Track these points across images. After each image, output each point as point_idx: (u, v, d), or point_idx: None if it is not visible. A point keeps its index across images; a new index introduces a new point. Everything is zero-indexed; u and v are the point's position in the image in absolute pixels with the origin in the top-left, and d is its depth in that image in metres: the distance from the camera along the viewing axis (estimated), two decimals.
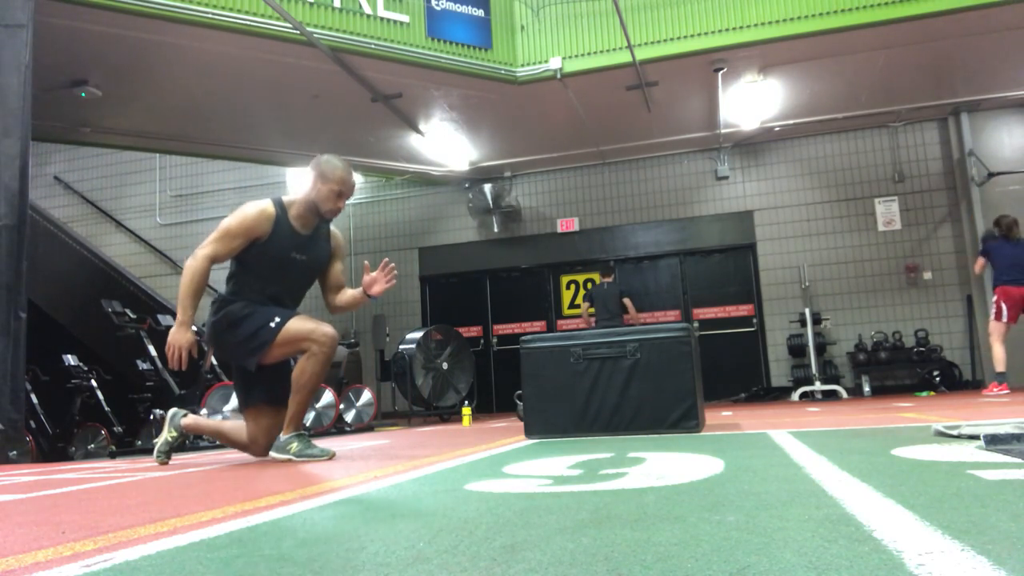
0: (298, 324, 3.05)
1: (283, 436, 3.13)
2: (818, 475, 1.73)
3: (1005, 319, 6.62)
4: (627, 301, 8.49)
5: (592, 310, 8.63)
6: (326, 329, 3.06)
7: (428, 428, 6.78)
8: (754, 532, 1.10)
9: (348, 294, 3.32)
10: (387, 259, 3.29)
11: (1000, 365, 6.60)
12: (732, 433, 3.38)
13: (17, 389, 4.69)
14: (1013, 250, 6.68)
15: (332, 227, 3.39)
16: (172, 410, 3.50)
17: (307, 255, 3.22)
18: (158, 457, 3.38)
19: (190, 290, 2.97)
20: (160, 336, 6.55)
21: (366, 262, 3.39)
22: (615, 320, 8.33)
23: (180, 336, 2.93)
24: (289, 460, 3.07)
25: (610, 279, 8.61)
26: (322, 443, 3.37)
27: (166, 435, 3.40)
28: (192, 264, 2.98)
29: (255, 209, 3.08)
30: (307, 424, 6.86)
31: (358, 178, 10.82)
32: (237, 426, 3.36)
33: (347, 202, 3.32)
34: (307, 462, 3.00)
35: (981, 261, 6.99)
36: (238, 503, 1.79)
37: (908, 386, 8.79)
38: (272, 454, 3.19)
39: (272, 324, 3.04)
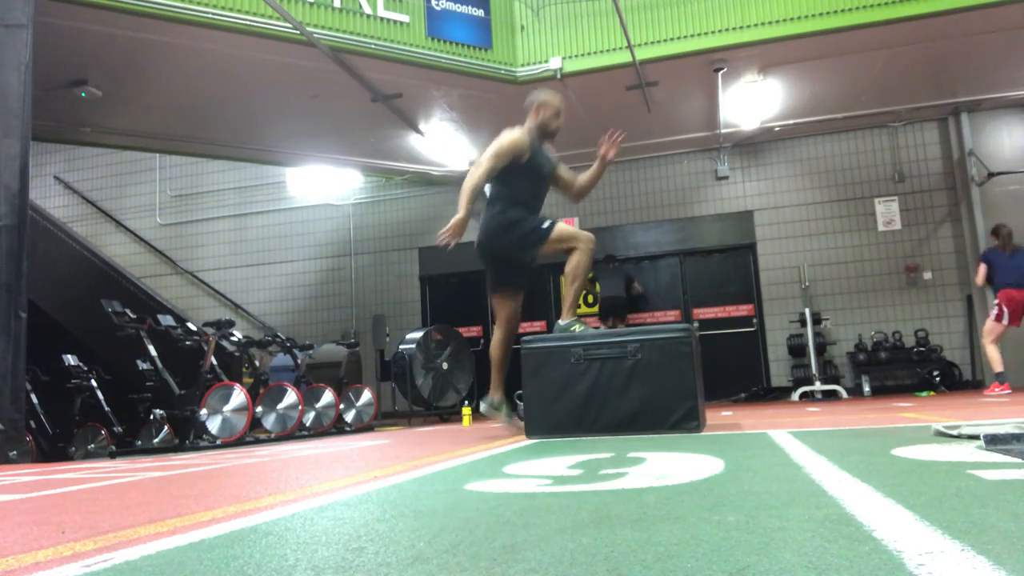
0: (564, 227, 3.96)
1: (563, 321, 3.90)
2: (818, 475, 1.73)
3: (1005, 321, 6.70)
4: (636, 284, 9.52)
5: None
6: (587, 233, 3.97)
7: (428, 428, 6.78)
8: (754, 532, 1.10)
9: (585, 174, 4.19)
10: (612, 131, 4.04)
11: (997, 365, 6.68)
12: (732, 433, 3.38)
13: (17, 389, 4.69)
14: (1011, 261, 6.87)
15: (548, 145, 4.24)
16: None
17: (546, 167, 4.14)
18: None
19: (471, 193, 3.88)
20: (160, 336, 6.54)
21: (610, 136, 4.03)
22: (619, 290, 9.39)
23: (456, 220, 3.84)
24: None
25: (616, 265, 9.68)
26: (323, 443, 3.38)
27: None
28: (475, 172, 3.92)
29: (516, 134, 3.98)
30: (307, 424, 6.86)
31: (358, 177, 10.85)
32: (501, 346, 4.22)
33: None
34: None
35: (983, 269, 7.05)
36: (238, 503, 1.79)
37: (908, 386, 8.79)
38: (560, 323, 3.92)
39: (544, 225, 3.94)
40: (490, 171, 3.92)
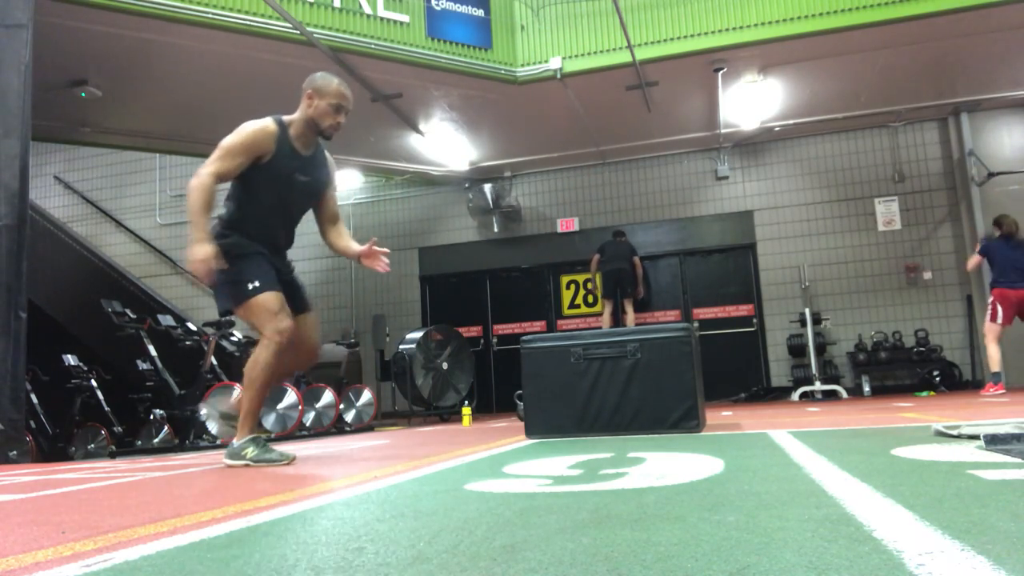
0: (267, 301, 2.92)
1: (236, 441, 2.94)
2: (818, 475, 1.73)
3: (1000, 321, 6.67)
4: (636, 259, 9.37)
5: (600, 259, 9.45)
6: (283, 324, 2.92)
7: (428, 428, 6.78)
8: (754, 532, 1.10)
9: (345, 242, 3.25)
10: (384, 255, 3.23)
11: (995, 365, 6.68)
12: (732, 433, 3.38)
13: (17, 389, 4.69)
14: (1012, 252, 6.73)
15: (326, 151, 3.29)
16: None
17: (310, 176, 3.14)
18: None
19: (201, 208, 2.84)
20: (160, 336, 6.56)
21: (374, 238, 3.30)
22: (624, 263, 9.20)
23: (200, 250, 2.78)
24: (247, 466, 2.86)
25: (623, 239, 9.44)
26: (323, 443, 3.38)
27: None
28: (198, 183, 2.87)
29: (256, 126, 3.03)
30: (307, 424, 6.85)
31: (358, 177, 10.83)
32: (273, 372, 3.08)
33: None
34: (265, 467, 2.82)
35: (977, 259, 7.03)
36: (238, 503, 1.79)
37: (908, 386, 8.79)
38: (225, 460, 2.97)
39: (250, 286, 2.93)
40: (217, 175, 2.91)
